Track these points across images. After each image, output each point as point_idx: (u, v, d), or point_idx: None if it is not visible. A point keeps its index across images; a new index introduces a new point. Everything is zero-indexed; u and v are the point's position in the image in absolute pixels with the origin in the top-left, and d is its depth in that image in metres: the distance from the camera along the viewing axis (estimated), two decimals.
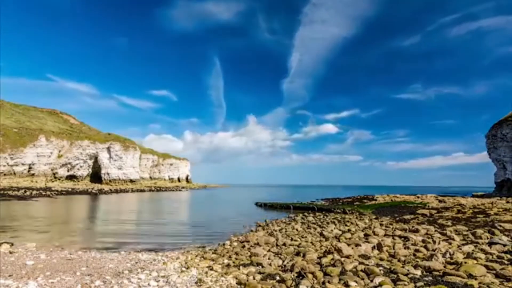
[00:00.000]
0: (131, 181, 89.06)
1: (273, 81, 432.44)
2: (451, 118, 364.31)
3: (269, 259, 9.11)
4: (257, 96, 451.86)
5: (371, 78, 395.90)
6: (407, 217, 20.17)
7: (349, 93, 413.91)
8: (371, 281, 6.64)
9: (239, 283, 6.85)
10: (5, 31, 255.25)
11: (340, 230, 15.12)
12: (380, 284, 6.35)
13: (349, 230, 14.83)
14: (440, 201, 34.88)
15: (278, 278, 6.99)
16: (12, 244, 11.08)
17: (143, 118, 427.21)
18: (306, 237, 13.35)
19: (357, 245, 10.22)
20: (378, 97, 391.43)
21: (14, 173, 63.95)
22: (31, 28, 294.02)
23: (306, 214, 24.91)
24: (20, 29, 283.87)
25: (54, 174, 75.54)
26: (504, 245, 9.84)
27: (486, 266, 7.33)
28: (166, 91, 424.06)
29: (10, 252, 9.71)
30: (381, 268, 7.58)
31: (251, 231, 16.19)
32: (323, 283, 6.59)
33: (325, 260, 8.35)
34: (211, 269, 8.07)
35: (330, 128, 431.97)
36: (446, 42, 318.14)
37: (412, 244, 10.58)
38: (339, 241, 11.83)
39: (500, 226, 13.73)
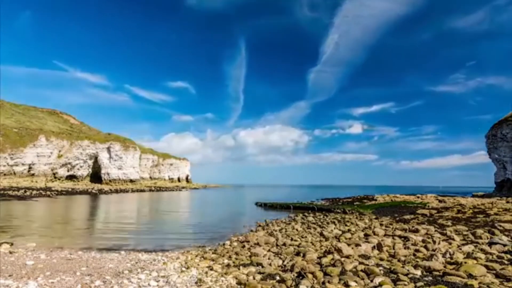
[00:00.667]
0: (131, 181, 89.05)
1: (299, 70, 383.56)
2: (487, 113, 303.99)
3: (269, 259, 9.10)
4: (278, 88, 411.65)
5: (411, 65, 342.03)
6: (407, 217, 20.17)
7: (384, 84, 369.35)
8: (371, 281, 6.64)
9: (239, 283, 6.85)
10: (12, 17, 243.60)
11: (340, 230, 15.11)
12: (380, 284, 6.35)
13: (349, 230, 14.83)
14: (440, 201, 34.89)
15: (278, 278, 6.99)
16: (12, 244, 11.08)
17: (157, 113, 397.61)
18: (306, 237, 13.34)
19: (357, 245, 10.22)
20: (414, 89, 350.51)
21: (14, 173, 63.96)
22: (39, 14, 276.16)
23: (306, 214, 24.90)
24: (27, 16, 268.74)
25: (54, 174, 75.54)
26: (504, 245, 9.84)
27: (486, 266, 7.34)
28: (184, 83, 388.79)
29: (10, 252, 9.71)
30: (381, 268, 7.58)
31: (251, 231, 16.18)
32: (323, 283, 6.59)
33: (325, 260, 8.35)
34: (211, 269, 8.07)
35: (353, 125, 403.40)
36: (502, 24, 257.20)
37: (412, 244, 10.57)
38: (339, 241, 11.83)
39: (500, 226, 13.73)
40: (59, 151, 77.15)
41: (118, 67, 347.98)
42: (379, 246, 10.01)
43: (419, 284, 6.35)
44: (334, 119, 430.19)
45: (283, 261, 8.71)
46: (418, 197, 43.18)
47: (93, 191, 59.92)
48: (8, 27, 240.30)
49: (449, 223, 16.45)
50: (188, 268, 8.22)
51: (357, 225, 17.31)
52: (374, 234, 13.06)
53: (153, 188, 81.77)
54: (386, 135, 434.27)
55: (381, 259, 8.70)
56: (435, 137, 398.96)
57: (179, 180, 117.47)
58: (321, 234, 13.86)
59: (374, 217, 22.30)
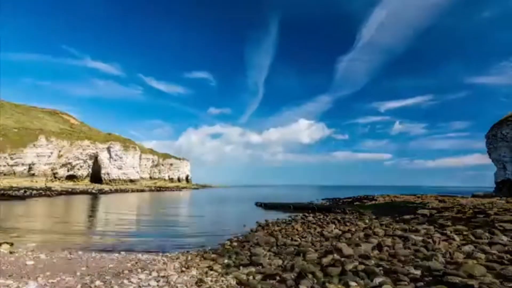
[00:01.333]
0: (131, 181, 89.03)
1: (329, 59, 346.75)
2: None
3: (269, 259, 9.10)
4: (302, 80, 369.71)
5: (456, 52, 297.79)
6: (407, 217, 20.14)
7: (421, 75, 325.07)
8: (371, 281, 6.64)
9: (239, 283, 6.85)
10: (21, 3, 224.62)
11: (340, 230, 15.10)
12: (380, 284, 6.34)
13: (349, 230, 14.81)
14: (440, 201, 34.85)
15: (278, 278, 6.99)
16: (12, 244, 11.07)
17: (171, 108, 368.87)
18: (306, 237, 13.34)
19: (357, 245, 10.22)
20: (453, 81, 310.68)
21: (14, 173, 63.93)
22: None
23: (306, 214, 24.88)
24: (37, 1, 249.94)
25: (54, 174, 75.51)
26: (504, 245, 9.83)
27: (486, 266, 7.33)
28: (204, 73, 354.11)
29: (10, 252, 9.70)
30: (381, 268, 7.58)
31: (251, 231, 16.17)
32: (323, 283, 6.59)
33: (325, 260, 8.34)
34: (211, 269, 8.07)
35: (375, 121, 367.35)
36: None
37: (412, 244, 10.56)
38: (339, 241, 11.82)
39: (500, 226, 13.72)
40: (59, 151, 77.10)
41: (132, 56, 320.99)
42: (379, 246, 10.01)
43: (419, 284, 6.35)
44: (357, 115, 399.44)
45: (283, 261, 8.71)
46: (418, 197, 43.14)
47: (93, 191, 59.90)
48: (12, 8, 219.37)
49: (449, 223, 16.43)
50: (188, 268, 8.22)
51: (357, 225, 17.29)
52: (374, 234, 13.05)
53: (153, 188, 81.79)
54: (408, 132, 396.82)
55: (381, 259, 8.69)
56: (464, 135, 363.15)
57: (179, 180, 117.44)
58: (321, 234, 13.85)
59: (374, 217, 22.29)
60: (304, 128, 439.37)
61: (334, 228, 15.73)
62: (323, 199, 46.02)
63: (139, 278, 7.07)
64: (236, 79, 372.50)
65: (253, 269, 7.93)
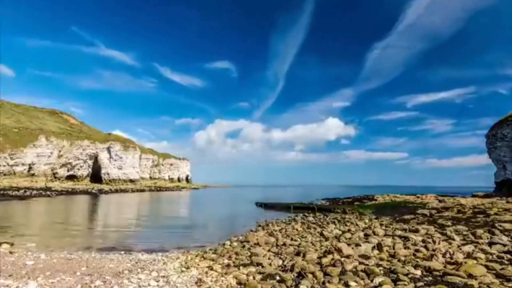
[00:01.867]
0: (131, 181, 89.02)
1: (361, 46, 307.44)
2: None
3: (269, 259, 9.10)
4: (328, 70, 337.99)
5: (504, 38, 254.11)
6: (407, 217, 20.16)
7: (464, 65, 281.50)
8: (371, 281, 6.64)
9: (239, 283, 6.85)
10: None
11: (340, 230, 15.10)
12: (380, 284, 6.35)
13: (349, 230, 14.82)
14: (440, 201, 34.86)
15: (278, 278, 6.99)
16: (12, 244, 11.08)
17: (185, 104, 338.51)
18: (306, 237, 13.33)
19: (357, 245, 10.22)
20: (498, 72, 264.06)
21: (14, 173, 63.94)
22: None
23: (306, 214, 24.90)
24: None
25: (54, 174, 75.51)
26: (504, 245, 9.84)
27: (486, 266, 7.34)
28: (225, 63, 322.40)
29: (10, 252, 9.70)
30: (381, 268, 7.58)
31: (251, 231, 16.17)
32: (323, 283, 6.59)
33: (325, 260, 8.35)
34: (211, 269, 8.07)
35: (398, 117, 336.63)
36: None
37: (412, 244, 10.57)
38: (339, 241, 11.82)
39: (500, 226, 13.73)
40: (59, 151, 77.12)
41: (148, 43, 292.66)
42: (379, 246, 10.01)
43: (419, 284, 6.35)
44: (379, 111, 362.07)
45: (283, 261, 8.71)
46: (418, 197, 43.13)
47: (93, 191, 59.89)
48: None
49: (449, 223, 16.44)
50: (188, 268, 8.22)
51: (357, 225, 17.29)
52: (374, 234, 13.05)
53: (153, 188, 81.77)
54: (431, 130, 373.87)
55: (381, 259, 8.69)
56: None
57: (179, 180, 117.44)
58: (321, 234, 13.86)
59: (374, 217, 22.30)
60: (317, 126, 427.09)
61: (334, 228, 15.73)
62: (323, 199, 46.03)
63: (139, 278, 7.07)
64: (256, 71, 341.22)
65: (253, 269, 7.93)
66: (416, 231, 13.46)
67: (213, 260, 9.26)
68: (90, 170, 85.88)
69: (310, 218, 21.18)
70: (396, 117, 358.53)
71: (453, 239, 11.36)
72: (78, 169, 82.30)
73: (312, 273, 7.15)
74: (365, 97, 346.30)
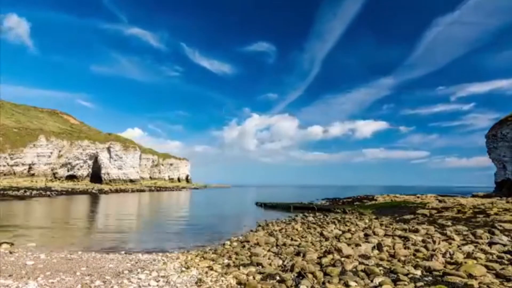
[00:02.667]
0: (131, 181, 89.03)
1: (420, 22, 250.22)
2: None
3: (269, 259, 9.10)
4: (369, 57, 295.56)
5: None
6: (407, 217, 20.15)
7: None
8: (371, 281, 6.64)
9: (239, 283, 6.85)
10: None
11: (340, 230, 15.10)
12: (380, 284, 6.35)
13: (349, 230, 14.82)
14: (440, 201, 34.85)
15: (278, 278, 6.99)
16: (12, 244, 11.08)
17: (210, 95, 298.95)
18: (306, 237, 13.34)
19: (357, 245, 10.22)
20: None
21: (14, 173, 63.92)
22: None
23: (306, 214, 24.91)
24: None
25: (54, 174, 75.51)
26: (504, 245, 9.84)
27: (486, 266, 7.33)
28: (263, 45, 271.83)
29: (10, 252, 9.70)
30: (381, 268, 7.58)
31: (251, 231, 16.18)
32: (323, 283, 6.59)
33: (325, 260, 8.35)
34: (211, 269, 8.07)
35: (441, 110, 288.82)
36: None
37: (412, 244, 10.57)
38: (339, 241, 11.83)
39: (500, 226, 13.73)
40: (59, 151, 77.12)
41: (175, 21, 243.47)
42: (379, 246, 10.01)
43: (419, 284, 6.35)
44: (417, 104, 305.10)
45: (283, 261, 8.71)
46: (418, 197, 43.13)
47: (93, 191, 59.89)
48: None
49: (449, 223, 16.44)
50: (188, 268, 8.21)
51: (357, 225, 17.29)
52: (374, 234, 13.05)
53: (153, 188, 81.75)
54: (470, 125, 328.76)
55: (381, 259, 8.69)
56: None
57: (179, 180, 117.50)
58: (321, 234, 13.86)
59: (374, 217, 22.29)
60: (340, 123, 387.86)
61: (334, 228, 15.73)
62: (323, 199, 46.03)
63: (139, 278, 7.07)
64: (294, 54, 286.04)
65: (253, 269, 7.93)
66: (416, 231, 13.46)
67: (213, 260, 9.26)
68: (90, 170, 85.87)
69: (310, 218, 21.18)
70: (435, 111, 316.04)
71: (453, 239, 11.36)
72: (78, 169, 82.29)
73: (312, 273, 7.15)
74: (404, 88, 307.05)
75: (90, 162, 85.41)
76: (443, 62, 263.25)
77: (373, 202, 35.79)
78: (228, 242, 12.52)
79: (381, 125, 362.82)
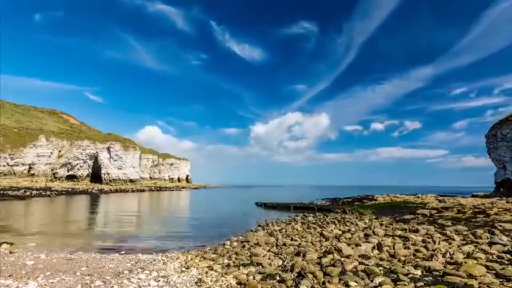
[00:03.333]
0: (131, 181, 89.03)
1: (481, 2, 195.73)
2: None
3: (269, 259, 9.10)
4: (414, 42, 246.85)
5: None
6: (407, 217, 20.16)
7: None
8: (371, 281, 6.64)
9: (239, 283, 6.85)
10: None
11: (340, 230, 15.11)
12: (380, 284, 6.35)
13: (349, 230, 14.82)
14: (440, 201, 34.86)
15: (278, 278, 6.99)
16: (12, 244, 11.08)
17: (239, 91, 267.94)
18: (306, 237, 13.34)
19: (357, 245, 10.23)
20: None
21: (14, 173, 63.92)
22: None
23: (306, 214, 24.91)
24: None
25: (54, 174, 75.51)
26: (504, 245, 9.84)
27: (486, 266, 7.34)
28: (300, 27, 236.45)
29: (10, 252, 9.70)
30: (381, 268, 7.58)
31: (251, 231, 16.18)
32: (323, 283, 6.59)
33: (325, 260, 8.35)
34: (211, 269, 8.07)
35: (482, 104, 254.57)
36: None
37: (412, 244, 10.57)
38: (339, 241, 11.83)
39: (500, 226, 13.73)
40: (59, 151, 77.12)
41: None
42: (379, 246, 10.01)
43: (419, 284, 6.35)
44: (452, 99, 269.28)
45: (283, 261, 8.71)
46: (418, 197, 43.15)
47: (93, 191, 59.89)
48: None
49: (449, 223, 16.44)
50: (188, 268, 8.21)
51: (357, 225, 17.29)
52: (374, 234, 13.05)
53: (153, 188, 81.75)
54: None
55: (381, 259, 8.69)
56: None
57: (179, 180, 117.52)
58: (321, 234, 13.86)
59: (374, 217, 22.30)
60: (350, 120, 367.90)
61: (334, 228, 15.73)
62: (323, 199, 46.03)
63: (139, 278, 7.07)
64: (328, 38, 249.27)
65: (253, 269, 7.93)
66: (416, 231, 13.46)
67: (213, 260, 9.26)
68: (90, 170, 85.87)
69: (310, 218, 21.18)
70: (473, 105, 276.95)
71: (453, 239, 11.37)
72: (78, 169, 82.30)
73: (312, 273, 7.15)
74: (442, 78, 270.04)
75: (90, 162, 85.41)
76: (496, 48, 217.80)
77: (373, 202, 35.80)
78: (228, 242, 12.52)
79: (408, 124, 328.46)
